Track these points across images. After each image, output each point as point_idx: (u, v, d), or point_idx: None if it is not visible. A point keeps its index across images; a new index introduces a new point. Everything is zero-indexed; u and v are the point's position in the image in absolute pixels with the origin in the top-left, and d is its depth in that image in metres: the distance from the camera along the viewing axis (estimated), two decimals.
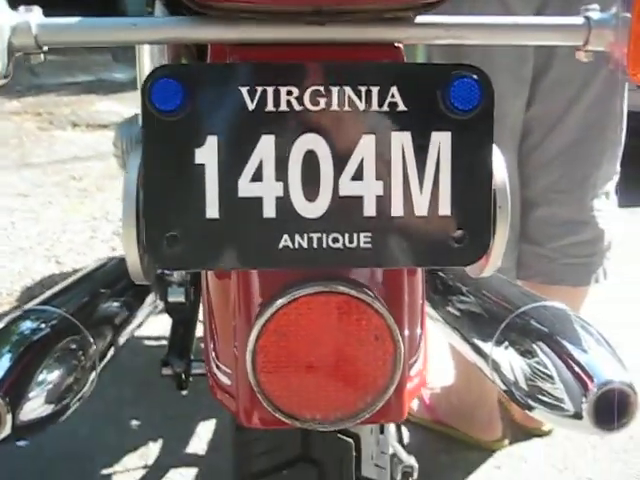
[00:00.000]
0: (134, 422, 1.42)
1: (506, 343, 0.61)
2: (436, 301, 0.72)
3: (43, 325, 0.65)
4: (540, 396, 0.58)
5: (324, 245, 0.41)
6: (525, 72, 1.05)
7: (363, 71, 0.40)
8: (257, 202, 0.40)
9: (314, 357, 0.40)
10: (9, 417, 0.53)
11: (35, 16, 0.43)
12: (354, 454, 0.54)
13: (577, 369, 0.55)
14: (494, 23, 0.43)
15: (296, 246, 0.41)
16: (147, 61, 0.86)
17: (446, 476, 1.30)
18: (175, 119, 0.39)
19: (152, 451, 1.33)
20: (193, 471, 1.28)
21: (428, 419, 1.39)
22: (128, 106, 5.02)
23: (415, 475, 0.82)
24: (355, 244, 0.41)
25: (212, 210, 0.40)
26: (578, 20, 0.44)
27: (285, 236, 0.41)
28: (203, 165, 0.39)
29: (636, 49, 0.40)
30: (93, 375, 0.64)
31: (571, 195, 1.13)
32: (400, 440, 0.88)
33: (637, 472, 1.29)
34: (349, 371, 0.41)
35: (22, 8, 0.41)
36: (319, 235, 0.41)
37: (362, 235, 0.41)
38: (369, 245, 0.41)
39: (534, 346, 0.59)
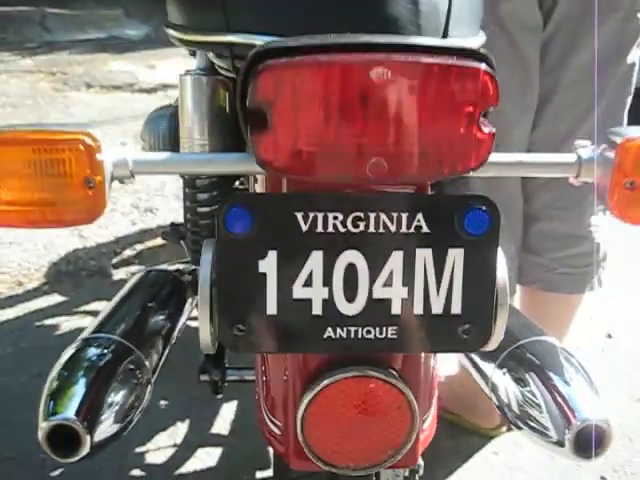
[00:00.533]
0: (162, 402, 1.56)
1: (505, 370, 0.72)
2: None
3: (103, 351, 0.75)
4: (528, 421, 0.69)
5: (359, 336, 0.52)
6: (530, 101, 1.13)
7: (395, 200, 0.50)
8: (307, 302, 0.50)
9: (350, 423, 0.52)
10: (88, 438, 0.64)
11: (131, 152, 0.52)
12: None
13: (562, 403, 0.67)
14: (502, 161, 0.53)
15: (337, 336, 0.52)
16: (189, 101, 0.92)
17: (448, 459, 1.44)
18: (243, 239, 0.49)
19: (180, 430, 1.48)
20: (218, 451, 1.42)
21: None
22: (141, 66, 5.07)
23: (421, 472, 0.95)
24: (384, 335, 0.52)
25: (271, 308, 0.50)
26: (571, 157, 0.54)
27: (329, 328, 0.51)
28: (265, 274, 0.50)
29: (615, 191, 0.49)
30: (149, 388, 0.76)
31: (571, 212, 1.22)
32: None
33: (623, 460, 1.43)
34: (377, 432, 0.53)
35: (119, 143, 0.51)
36: (355, 328, 0.52)
37: (390, 328, 0.52)
38: (395, 336, 0.52)
39: (527, 376, 0.70)
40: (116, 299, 0.90)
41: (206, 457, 1.38)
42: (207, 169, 0.55)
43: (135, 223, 2.59)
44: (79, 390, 0.70)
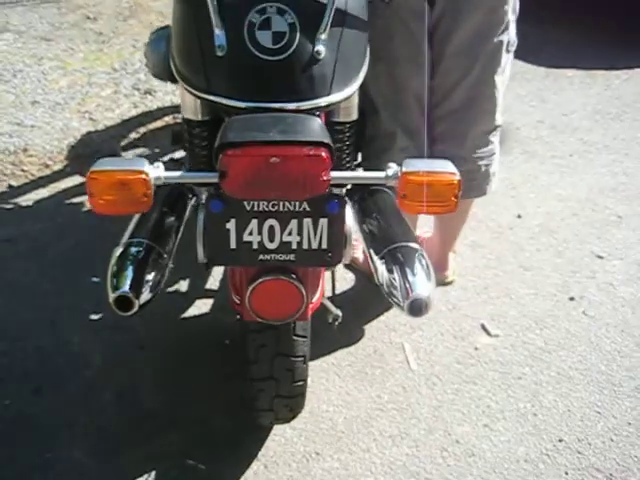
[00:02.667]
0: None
1: (382, 262, 1.29)
2: (360, 219, 1.37)
3: (138, 249, 1.31)
4: (390, 291, 1.25)
5: (276, 259, 1.06)
6: (421, 61, 1.54)
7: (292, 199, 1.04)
8: (250, 243, 1.04)
9: (273, 301, 1.09)
10: (137, 302, 1.23)
11: (163, 172, 1.05)
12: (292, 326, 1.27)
13: (407, 284, 1.24)
14: (341, 176, 1.05)
15: (265, 258, 1.05)
16: None
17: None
18: (218, 214, 1.03)
19: (182, 286, 2.08)
20: (209, 305, 2.04)
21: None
22: None
23: (339, 320, 1.54)
24: (288, 258, 1.06)
25: (232, 245, 1.06)
26: (382, 174, 1.05)
27: (261, 255, 1.05)
28: (229, 229, 1.05)
29: (397, 199, 1.02)
30: (168, 268, 1.33)
31: (457, 140, 1.70)
32: (331, 297, 1.59)
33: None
34: (287, 306, 1.11)
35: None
36: (274, 255, 1.05)
37: (290, 255, 1.05)
38: (294, 258, 1.07)
39: (393, 267, 1.27)
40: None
41: (201, 308, 2.01)
42: (205, 180, 1.08)
43: (137, 106, 3.06)
44: (129, 274, 1.28)
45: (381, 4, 1.28)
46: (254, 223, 1.03)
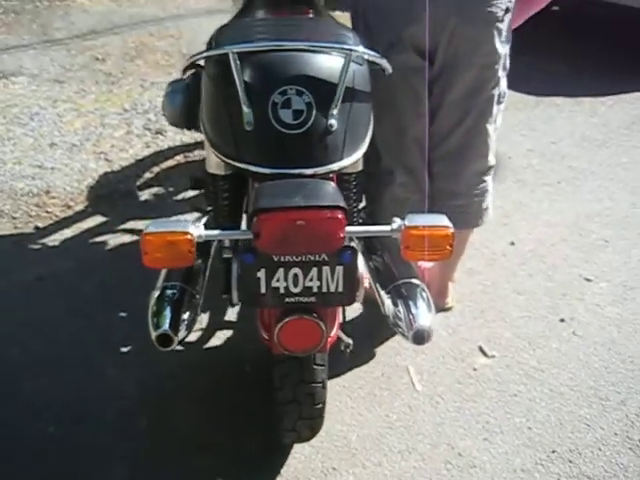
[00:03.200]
0: None
1: (388, 297, 1.50)
2: (367, 256, 1.56)
3: (173, 292, 1.52)
4: (396, 323, 1.45)
5: (300, 301, 1.27)
6: (422, 111, 1.77)
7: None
8: (278, 288, 1.26)
9: (298, 336, 1.29)
10: (176, 339, 1.43)
11: (202, 231, 1.26)
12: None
13: (411, 317, 1.44)
14: (355, 231, 1.26)
15: (290, 301, 1.25)
16: None
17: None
18: (250, 265, 1.23)
19: (204, 319, 2.28)
20: (229, 334, 2.24)
21: None
22: None
23: (351, 347, 1.74)
24: (310, 300, 1.25)
25: (262, 290, 1.26)
26: (387, 227, 1.26)
27: (287, 298, 1.25)
28: (259, 277, 1.25)
29: (401, 250, 1.23)
30: (199, 309, 1.54)
31: (454, 177, 1.94)
32: (341, 323, 1.77)
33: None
34: (310, 341, 1.30)
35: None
36: (298, 298, 1.25)
37: (312, 298, 1.24)
38: (314, 301, 1.25)
39: (398, 301, 1.47)
40: None
41: (221, 338, 2.21)
42: (240, 238, 1.28)
43: (149, 145, 3.27)
44: (167, 314, 1.47)
45: (382, 73, 1.49)
46: (281, 272, 1.24)
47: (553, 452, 1.83)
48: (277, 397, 1.50)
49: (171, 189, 2.93)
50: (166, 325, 1.43)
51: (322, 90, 1.26)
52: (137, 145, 3.26)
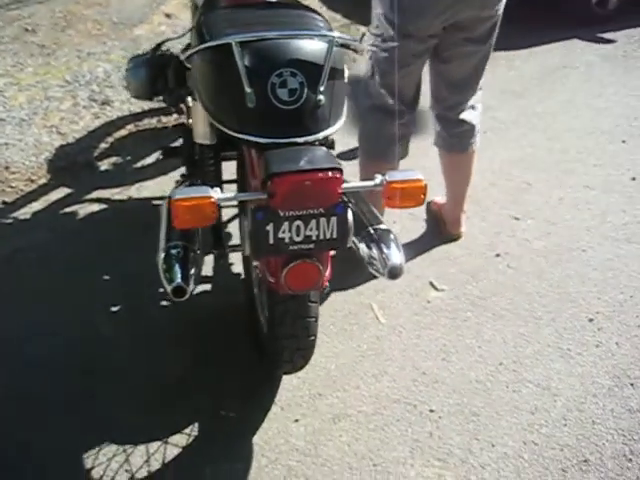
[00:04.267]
0: None
1: (363, 242, 1.80)
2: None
3: (178, 250, 1.78)
4: (371, 262, 1.75)
5: (303, 248, 1.55)
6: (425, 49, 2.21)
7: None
8: (283, 239, 1.54)
9: (301, 277, 1.57)
10: (189, 289, 1.69)
11: (220, 194, 1.51)
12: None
13: (385, 256, 1.75)
14: (350, 187, 1.56)
15: (294, 249, 1.53)
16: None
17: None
18: (261, 221, 1.51)
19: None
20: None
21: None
22: None
23: (327, 289, 2.05)
24: (310, 247, 1.54)
25: (271, 240, 1.54)
26: (372, 182, 1.55)
27: (291, 246, 1.52)
28: (268, 230, 1.52)
29: (382, 200, 1.53)
30: (202, 261, 1.79)
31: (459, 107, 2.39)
32: None
33: None
34: (311, 281, 1.58)
35: None
36: (302, 245, 1.53)
37: (312, 245, 1.54)
38: (313, 247, 1.54)
39: (372, 245, 1.77)
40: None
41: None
42: (256, 199, 1.55)
43: (98, 116, 3.42)
44: (177, 269, 1.71)
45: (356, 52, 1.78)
46: (286, 225, 1.51)
47: (500, 364, 2.20)
48: (277, 332, 1.78)
49: (128, 158, 3.12)
50: (179, 279, 1.70)
51: (312, 71, 1.52)
52: (86, 117, 3.40)
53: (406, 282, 2.51)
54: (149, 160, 3.07)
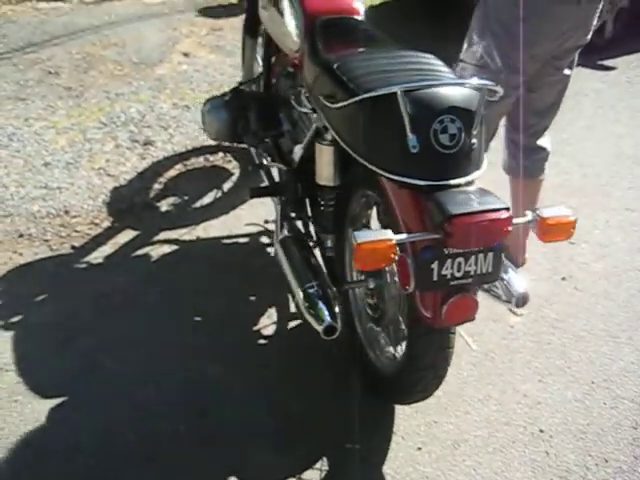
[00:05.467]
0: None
1: None
2: None
3: (316, 289, 1.89)
4: (495, 292, 1.90)
5: (460, 284, 1.67)
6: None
7: None
8: (446, 277, 1.65)
9: (459, 311, 1.69)
10: (338, 328, 1.79)
11: (392, 235, 1.62)
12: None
13: (507, 285, 1.89)
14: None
15: (454, 284, 1.66)
16: None
17: None
18: (428, 259, 1.61)
19: None
20: None
21: None
22: None
23: None
24: (468, 282, 1.67)
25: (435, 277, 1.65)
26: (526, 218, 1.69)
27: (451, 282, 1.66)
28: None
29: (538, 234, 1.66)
30: (338, 298, 1.90)
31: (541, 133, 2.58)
32: None
33: None
34: (468, 313, 1.70)
35: None
36: (460, 282, 1.67)
37: (469, 279, 1.67)
38: (470, 282, 1.68)
39: None
40: None
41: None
42: (430, 238, 1.65)
43: (144, 157, 3.47)
44: (322, 308, 1.84)
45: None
46: (449, 262, 1.63)
47: (592, 383, 2.34)
48: (417, 364, 1.89)
49: (186, 198, 3.18)
50: (328, 317, 1.80)
51: (467, 117, 1.65)
52: (132, 158, 3.45)
53: (487, 309, 2.63)
54: (206, 199, 3.15)
